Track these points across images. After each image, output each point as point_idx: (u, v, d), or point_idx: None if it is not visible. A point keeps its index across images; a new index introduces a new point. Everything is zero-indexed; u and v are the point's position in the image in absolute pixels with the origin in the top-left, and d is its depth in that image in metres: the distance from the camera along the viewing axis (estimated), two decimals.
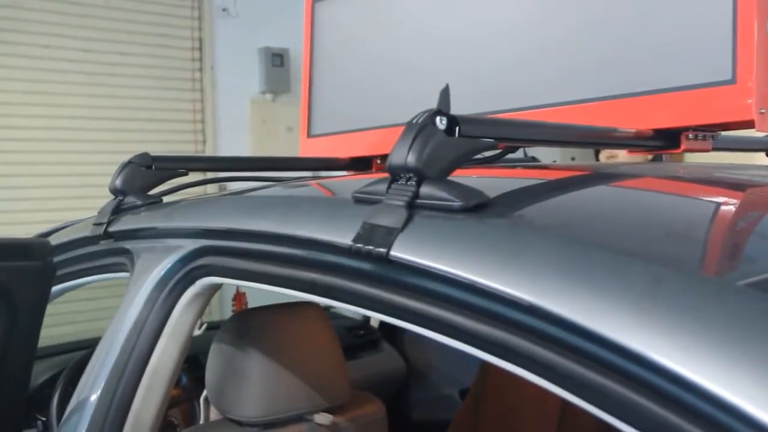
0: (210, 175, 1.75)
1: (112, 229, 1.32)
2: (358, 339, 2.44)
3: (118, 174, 1.36)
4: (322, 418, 1.34)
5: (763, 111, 1.04)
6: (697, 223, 0.84)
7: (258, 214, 1.09)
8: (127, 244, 1.29)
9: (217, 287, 1.17)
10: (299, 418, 1.34)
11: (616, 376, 0.58)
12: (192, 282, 1.15)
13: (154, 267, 1.19)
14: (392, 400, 2.28)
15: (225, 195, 1.35)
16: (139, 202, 1.33)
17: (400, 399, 2.44)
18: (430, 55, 1.48)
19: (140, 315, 1.18)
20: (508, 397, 1.65)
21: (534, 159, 1.66)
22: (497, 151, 1.41)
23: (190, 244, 1.16)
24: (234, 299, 3.12)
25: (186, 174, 1.45)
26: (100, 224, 1.33)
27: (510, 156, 1.47)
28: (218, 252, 1.11)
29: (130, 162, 1.36)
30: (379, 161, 1.62)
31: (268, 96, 5.24)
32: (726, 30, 1.05)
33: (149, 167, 1.37)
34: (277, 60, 5.17)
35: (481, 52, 1.38)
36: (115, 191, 1.36)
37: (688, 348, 0.55)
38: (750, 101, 1.03)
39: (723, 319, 0.56)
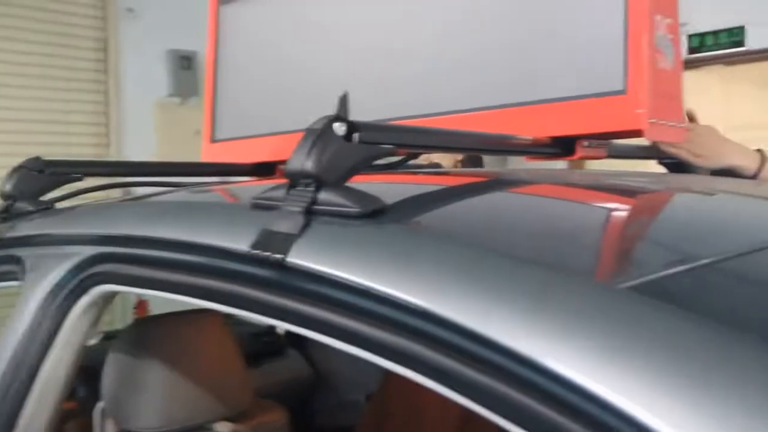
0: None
1: (1, 236, 1.27)
2: (263, 346, 2.41)
3: (8, 178, 1.32)
4: (223, 427, 1.32)
5: (652, 121, 1.08)
6: (586, 228, 0.87)
7: (156, 220, 1.06)
8: (18, 252, 1.24)
9: (114, 295, 1.14)
10: (199, 428, 1.31)
11: (508, 380, 0.59)
12: (86, 290, 1.11)
13: (46, 275, 1.15)
14: (298, 407, 2.27)
15: (123, 201, 1.32)
16: (30, 208, 1.29)
17: (305, 405, 2.42)
18: (336, 61, 1.47)
19: (31, 325, 1.13)
20: (411, 401, 1.67)
21: (437, 165, 1.68)
22: (401, 157, 1.42)
23: (85, 251, 1.12)
24: (135, 307, 3.05)
25: (81, 179, 1.41)
26: None
27: (413, 162, 1.48)
28: (114, 259, 1.08)
29: (21, 166, 1.33)
30: (282, 167, 1.60)
31: (176, 99, 5.14)
32: (617, 41, 1.08)
33: (41, 171, 1.34)
34: (185, 63, 5.09)
35: (387, 59, 1.39)
36: (4, 196, 1.32)
37: (577, 351, 0.56)
38: (640, 111, 1.07)
39: (607, 321, 0.58)
